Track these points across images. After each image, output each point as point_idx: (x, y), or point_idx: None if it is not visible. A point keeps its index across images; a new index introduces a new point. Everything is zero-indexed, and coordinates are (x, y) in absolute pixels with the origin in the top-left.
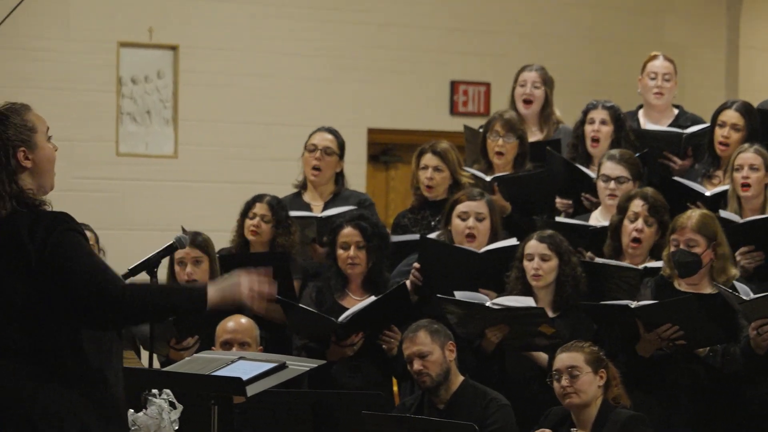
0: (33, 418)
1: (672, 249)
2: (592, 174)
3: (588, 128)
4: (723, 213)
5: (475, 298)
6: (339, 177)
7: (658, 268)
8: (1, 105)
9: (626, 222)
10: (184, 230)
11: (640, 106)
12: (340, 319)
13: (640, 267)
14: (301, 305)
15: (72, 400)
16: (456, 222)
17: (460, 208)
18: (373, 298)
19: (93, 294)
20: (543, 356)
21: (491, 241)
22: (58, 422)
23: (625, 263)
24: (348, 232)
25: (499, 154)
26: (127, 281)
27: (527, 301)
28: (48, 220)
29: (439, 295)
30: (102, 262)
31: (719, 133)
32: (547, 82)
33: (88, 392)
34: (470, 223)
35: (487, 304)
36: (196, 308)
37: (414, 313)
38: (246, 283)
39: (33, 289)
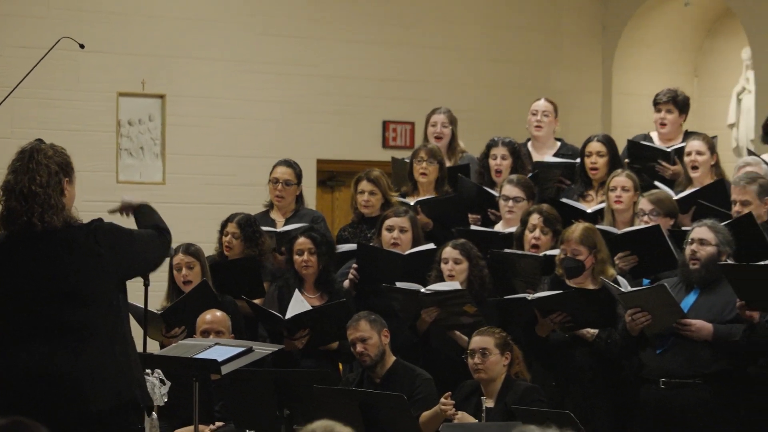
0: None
1: (561, 256)
2: (496, 194)
3: (492, 162)
4: (602, 227)
5: (412, 286)
6: (299, 198)
7: (555, 255)
8: (48, 143)
9: (527, 232)
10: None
11: (529, 139)
12: (287, 317)
13: (541, 255)
14: (256, 304)
15: (126, 357)
16: (384, 233)
17: (388, 222)
18: (314, 304)
19: (152, 259)
20: (465, 338)
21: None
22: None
23: (529, 253)
24: (302, 241)
25: (423, 174)
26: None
27: (453, 285)
28: (100, 228)
29: (384, 284)
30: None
31: (588, 161)
32: (453, 121)
33: (130, 350)
34: (395, 235)
35: (422, 290)
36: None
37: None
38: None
39: (104, 281)
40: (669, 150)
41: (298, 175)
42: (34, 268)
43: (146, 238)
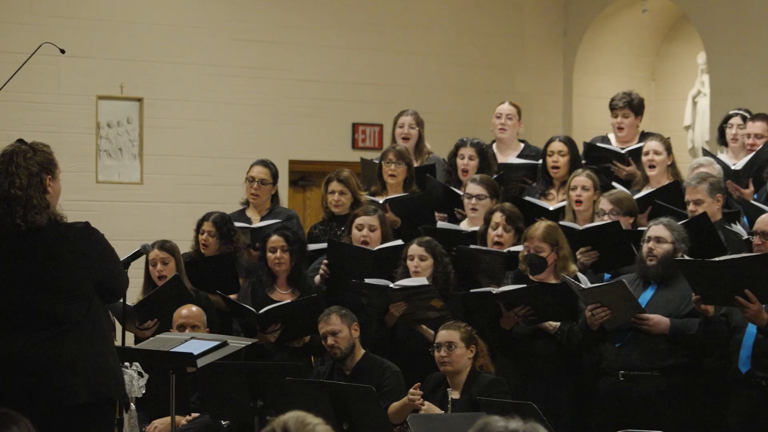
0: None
1: (525, 253)
2: (461, 193)
3: (459, 162)
4: (564, 223)
5: (381, 282)
6: (274, 197)
7: (518, 251)
8: (30, 142)
9: (490, 230)
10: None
11: (494, 141)
12: (260, 312)
13: (505, 251)
14: (230, 299)
15: (105, 353)
16: (354, 232)
17: (357, 221)
18: (286, 300)
19: (123, 283)
20: (431, 332)
21: None
22: (100, 361)
23: (493, 249)
24: (275, 239)
25: (392, 176)
26: None
27: (422, 281)
28: (89, 233)
29: (354, 280)
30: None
31: (550, 161)
32: (420, 123)
33: (109, 347)
34: (364, 233)
35: (390, 285)
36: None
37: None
38: None
39: (87, 279)
40: (623, 151)
41: (274, 175)
42: (19, 261)
43: (121, 267)
